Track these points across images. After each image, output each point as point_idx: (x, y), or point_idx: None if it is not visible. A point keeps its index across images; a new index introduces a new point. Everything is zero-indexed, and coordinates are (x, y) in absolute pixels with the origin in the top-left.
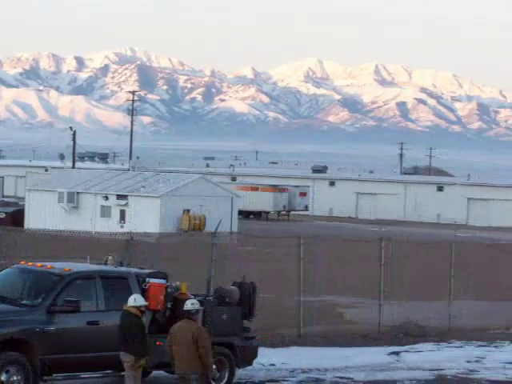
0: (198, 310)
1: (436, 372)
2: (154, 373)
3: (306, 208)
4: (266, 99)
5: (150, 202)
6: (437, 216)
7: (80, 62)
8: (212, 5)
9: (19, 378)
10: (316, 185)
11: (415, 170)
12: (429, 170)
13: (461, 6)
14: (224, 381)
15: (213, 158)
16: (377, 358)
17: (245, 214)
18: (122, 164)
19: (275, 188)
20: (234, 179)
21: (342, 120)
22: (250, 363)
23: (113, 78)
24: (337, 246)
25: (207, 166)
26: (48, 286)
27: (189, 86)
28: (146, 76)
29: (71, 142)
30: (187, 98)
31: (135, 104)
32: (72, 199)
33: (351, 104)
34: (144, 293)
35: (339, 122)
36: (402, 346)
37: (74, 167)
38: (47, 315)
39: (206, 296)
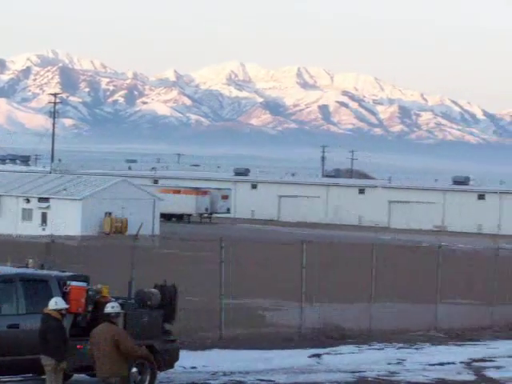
0: (118, 313)
1: (357, 374)
2: (76, 376)
3: (228, 211)
4: (188, 102)
5: (71, 204)
6: (358, 219)
7: (1, 64)
8: (133, 7)
9: None
10: (238, 187)
11: (337, 173)
12: (350, 173)
13: (383, 9)
14: None
15: (135, 161)
16: (298, 360)
17: (167, 217)
18: (44, 167)
19: (197, 191)
20: (156, 182)
21: (265, 123)
22: (171, 366)
23: (35, 80)
24: (259, 248)
25: (129, 168)
26: None
27: (111, 88)
28: (68, 78)
29: None
30: (109, 100)
31: (57, 106)
32: None
33: (273, 107)
34: (65, 296)
35: (261, 125)
36: (324, 348)
37: None
38: None
39: (127, 299)
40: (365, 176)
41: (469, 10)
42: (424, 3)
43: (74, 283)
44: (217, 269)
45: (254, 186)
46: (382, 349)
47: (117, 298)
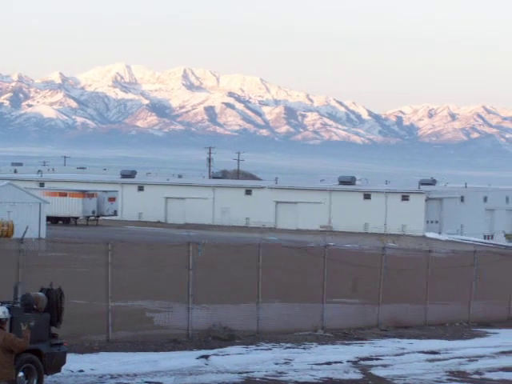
0: (7, 318)
1: (244, 375)
2: None
3: (115, 213)
4: (74, 104)
5: None
6: (245, 219)
7: None
8: (17, 9)
9: None
10: (125, 190)
11: (224, 174)
12: (237, 174)
13: (266, 12)
14: None
15: (21, 164)
16: (186, 361)
17: (53, 220)
18: None
19: (84, 193)
20: (42, 185)
21: (151, 125)
22: (58, 370)
23: None
24: (146, 250)
25: (15, 171)
26: None
27: None
28: None
29: None
30: None
31: None
32: None
33: (160, 109)
34: None
35: (148, 127)
36: (211, 349)
37: None
38: None
39: (13, 303)
40: (251, 177)
41: (346, 11)
42: (307, 5)
43: None
44: (104, 272)
45: (140, 188)
46: (270, 349)
47: (2, 303)
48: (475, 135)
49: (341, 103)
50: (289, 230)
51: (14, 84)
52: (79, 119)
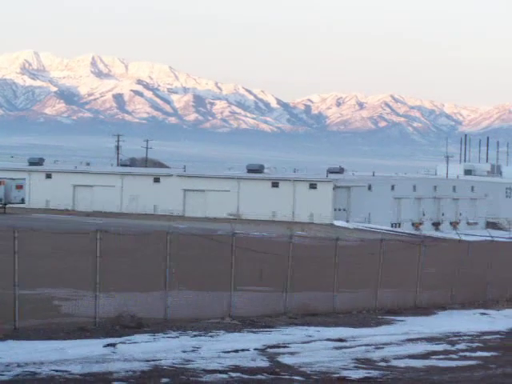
0: None
1: (152, 363)
2: None
3: (23, 201)
4: None
5: None
6: (154, 207)
7: None
8: None
9: None
10: (32, 177)
11: (132, 162)
12: (145, 162)
13: (175, 1)
14: None
15: None
16: (93, 350)
17: None
18: None
19: None
20: None
21: (59, 112)
22: None
23: None
24: (53, 238)
25: None
26: None
27: None
28: None
29: None
30: None
31: None
32: None
33: (68, 96)
34: None
35: (56, 114)
36: (119, 337)
37: None
38: None
39: None
40: (160, 165)
41: (257, 4)
42: None
43: None
44: (10, 259)
45: (48, 176)
46: (178, 337)
47: None
48: (383, 124)
49: (249, 91)
50: (197, 217)
51: None
52: None
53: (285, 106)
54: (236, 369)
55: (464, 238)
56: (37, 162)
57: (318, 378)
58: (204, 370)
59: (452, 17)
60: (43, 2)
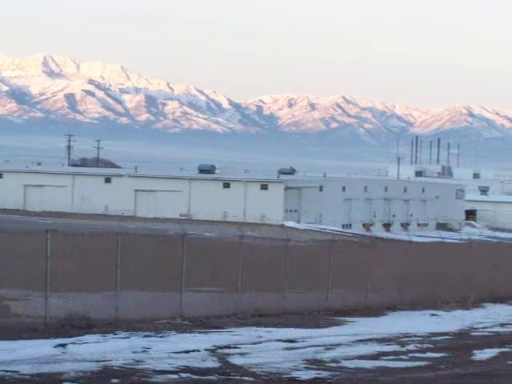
0: None
1: (102, 363)
2: None
3: None
4: None
5: None
6: (105, 207)
7: None
8: None
9: None
10: None
11: (83, 162)
12: (97, 162)
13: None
14: None
15: None
16: (43, 350)
17: None
18: None
19: None
20: None
21: (10, 112)
22: None
23: None
24: (2, 238)
25: None
26: None
27: None
28: None
29: None
30: None
31: None
32: None
33: (19, 95)
34: None
35: (7, 114)
36: (70, 337)
37: None
38: None
39: None
40: (111, 165)
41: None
42: None
43: None
44: None
45: None
46: (128, 337)
47: None
48: (334, 125)
49: (201, 92)
50: (148, 218)
51: None
52: None
53: (236, 106)
54: (186, 369)
55: (414, 239)
56: None
57: (268, 378)
58: (154, 371)
59: (402, 17)
60: None
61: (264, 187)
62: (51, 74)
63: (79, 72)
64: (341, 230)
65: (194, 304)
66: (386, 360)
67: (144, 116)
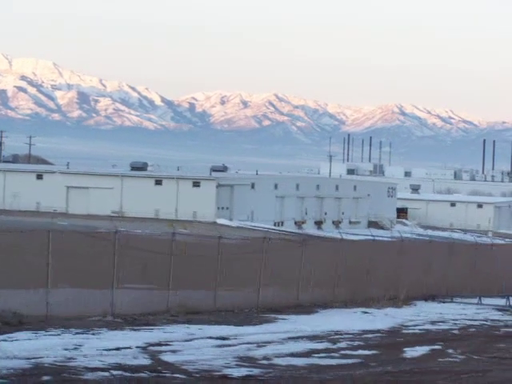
0: None
1: (33, 360)
2: None
3: None
4: None
5: None
6: (36, 204)
7: None
8: None
9: None
10: None
11: (14, 159)
12: (28, 159)
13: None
14: None
15: None
16: None
17: None
18: None
19: None
20: None
21: None
22: None
23: None
24: None
25: None
26: None
27: None
28: None
29: None
30: None
31: None
32: None
33: None
34: None
35: None
36: (1, 335)
37: None
38: None
39: None
40: (43, 161)
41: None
42: None
43: None
44: None
45: None
46: (59, 334)
47: None
48: (267, 123)
49: (134, 88)
50: (80, 215)
51: None
52: None
53: (169, 103)
54: (118, 367)
55: (346, 237)
56: None
57: (199, 376)
58: (86, 368)
59: (337, 16)
60: None
61: (196, 184)
62: None
63: (11, 68)
64: (273, 227)
65: (126, 301)
66: (317, 357)
67: (76, 112)
